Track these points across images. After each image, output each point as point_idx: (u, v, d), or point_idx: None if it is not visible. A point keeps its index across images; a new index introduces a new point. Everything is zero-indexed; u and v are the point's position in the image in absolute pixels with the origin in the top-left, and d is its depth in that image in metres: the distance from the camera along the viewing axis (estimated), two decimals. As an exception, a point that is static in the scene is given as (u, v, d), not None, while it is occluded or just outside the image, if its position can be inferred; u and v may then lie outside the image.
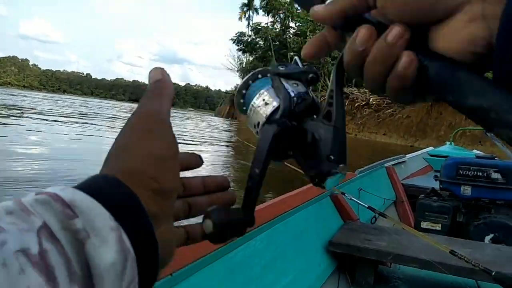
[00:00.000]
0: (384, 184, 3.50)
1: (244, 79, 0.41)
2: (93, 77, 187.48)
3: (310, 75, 0.40)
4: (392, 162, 3.96)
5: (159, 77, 0.33)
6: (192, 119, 38.78)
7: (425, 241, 1.64)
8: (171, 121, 0.31)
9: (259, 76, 0.41)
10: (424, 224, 2.86)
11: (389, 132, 32.46)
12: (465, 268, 1.54)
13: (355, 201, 2.21)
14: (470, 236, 2.65)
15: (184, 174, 0.33)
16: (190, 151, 0.36)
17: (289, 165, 2.32)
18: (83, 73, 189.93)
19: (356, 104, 35.26)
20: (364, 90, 36.86)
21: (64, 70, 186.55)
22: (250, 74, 0.41)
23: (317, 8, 0.32)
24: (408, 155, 4.87)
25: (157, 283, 0.89)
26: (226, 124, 34.94)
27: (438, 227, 2.82)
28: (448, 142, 6.78)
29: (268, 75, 0.41)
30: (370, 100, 34.39)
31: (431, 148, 6.63)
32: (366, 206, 2.12)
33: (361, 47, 0.30)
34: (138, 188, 0.26)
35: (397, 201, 3.48)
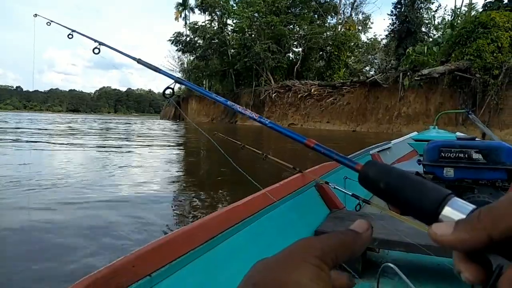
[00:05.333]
0: None
1: None
2: (24, 90, 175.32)
3: None
4: (378, 149, 3.98)
5: (363, 229, 0.33)
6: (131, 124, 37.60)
7: (410, 225, 1.63)
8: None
9: None
10: None
11: (332, 119, 33.79)
12: None
13: (339, 190, 2.15)
14: None
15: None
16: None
17: (272, 158, 2.36)
18: (12, 86, 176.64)
19: (299, 95, 36.22)
20: (305, 81, 37.99)
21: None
22: None
23: (443, 231, 0.29)
24: (393, 141, 4.91)
25: (136, 284, 0.94)
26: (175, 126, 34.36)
27: None
28: (431, 126, 6.90)
29: None
30: (312, 91, 35.49)
31: (415, 133, 6.74)
32: (350, 194, 2.07)
33: None
34: None
35: None
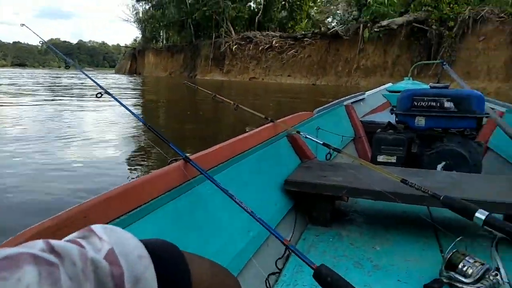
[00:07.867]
0: (343, 122, 3.48)
1: None
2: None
3: None
4: (351, 100, 3.96)
5: None
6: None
7: (379, 173, 1.64)
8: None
9: None
10: (380, 158, 2.84)
11: (293, 73, 33.68)
12: (415, 195, 1.58)
13: (311, 139, 2.13)
14: (423, 166, 2.67)
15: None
16: None
17: (244, 107, 2.25)
18: None
19: (260, 48, 35.57)
20: (267, 32, 37.21)
21: None
22: None
23: None
24: (367, 92, 4.86)
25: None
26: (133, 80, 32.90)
27: (393, 159, 2.79)
28: (406, 78, 6.76)
29: None
30: (273, 43, 34.91)
31: (390, 84, 6.63)
32: (321, 143, 2.07)
33: None
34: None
35: (356, 138, 3.46)
